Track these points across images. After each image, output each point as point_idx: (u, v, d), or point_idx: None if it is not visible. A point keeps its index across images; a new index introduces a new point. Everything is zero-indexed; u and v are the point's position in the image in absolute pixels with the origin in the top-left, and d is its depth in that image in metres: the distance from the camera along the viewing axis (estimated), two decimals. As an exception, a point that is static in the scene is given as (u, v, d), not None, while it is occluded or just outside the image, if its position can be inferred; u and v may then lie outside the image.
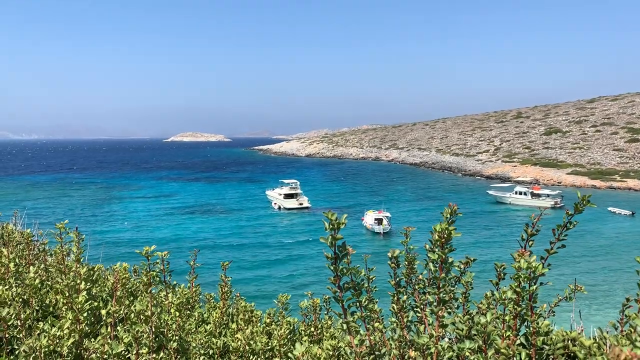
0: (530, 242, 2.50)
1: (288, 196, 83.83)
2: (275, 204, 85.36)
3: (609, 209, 74.60)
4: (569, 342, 2.42)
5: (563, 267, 44.83)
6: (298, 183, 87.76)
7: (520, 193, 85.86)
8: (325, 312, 4.24)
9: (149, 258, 3.32)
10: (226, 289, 4.20)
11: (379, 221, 63.79)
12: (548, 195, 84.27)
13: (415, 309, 2.82)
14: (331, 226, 2.33)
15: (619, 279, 42.87)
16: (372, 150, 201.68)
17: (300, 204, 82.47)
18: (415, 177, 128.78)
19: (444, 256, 2.44)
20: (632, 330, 2.38)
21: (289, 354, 3.36)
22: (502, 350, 2.16)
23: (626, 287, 39.71)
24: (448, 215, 2.41)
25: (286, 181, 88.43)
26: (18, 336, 2.96)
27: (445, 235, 2.42)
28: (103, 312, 3.15)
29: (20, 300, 3.22)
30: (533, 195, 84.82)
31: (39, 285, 3.48)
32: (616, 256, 50.50)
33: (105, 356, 2.75)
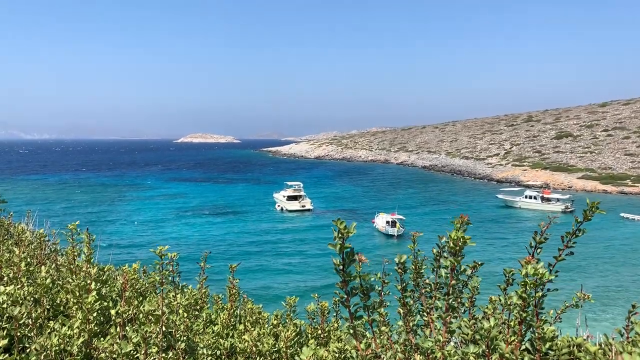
0: (539, 250, 2.50)
1: (291, 198, 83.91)
2: (278, 205, 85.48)
3: (621, 214, 73.79)
4: (574, 348, 2.42)
5: (573, 273, 44.43)
6: (301, 185, 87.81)
7: (530, 197, 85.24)
8: (334, 315, 4.26)
9: (162, 257, 3.36)
10: (234, 290, 4.23)
11: (393, 223, 63.26)
12: (558, 200, 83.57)
13: (421, 313, 2.84)
14: (340, 235, 2.35)
15: (629, 286, 42.45)
16: (381, 152, 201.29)
17: (303, 206, 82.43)
18: (425, 180, 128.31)
19: (456, 264, 2.46)
20: (638, 336, 2.38)
21: (296, 356, 3.39)
22: (505, 355, 2.17)
23: (636, 293, 39.34)
24: (458, 226, 2.42)
25: (290, 183, 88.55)
26: (29, 335, 3.00)
27: (459, 244, 2.44)
28: (112, 312, 3.20)
29: (32, 299, 3.27)
30: (543, 199, 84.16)
31: (50, 285, 3.53)
32: (627, 262, 50.00)
33: (115, 355, 2.78)
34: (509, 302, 2.38)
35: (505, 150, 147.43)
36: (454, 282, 2.47)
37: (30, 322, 3.02)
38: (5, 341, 2.80)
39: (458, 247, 2.41)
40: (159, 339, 2.92)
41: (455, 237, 2.38)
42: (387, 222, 63.69)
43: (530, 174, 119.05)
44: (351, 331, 2.54)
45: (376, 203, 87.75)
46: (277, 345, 3.41)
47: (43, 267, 3.94)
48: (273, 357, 3.37)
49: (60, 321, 2.99)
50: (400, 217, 65.01)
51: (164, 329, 2.98)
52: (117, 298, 3.61)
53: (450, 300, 2.45)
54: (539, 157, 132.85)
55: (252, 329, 3.70)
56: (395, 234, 61.68)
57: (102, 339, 2.98)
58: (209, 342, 3.33)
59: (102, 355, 2.84)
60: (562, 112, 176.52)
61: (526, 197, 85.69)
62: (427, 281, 2.91)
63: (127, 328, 3.06)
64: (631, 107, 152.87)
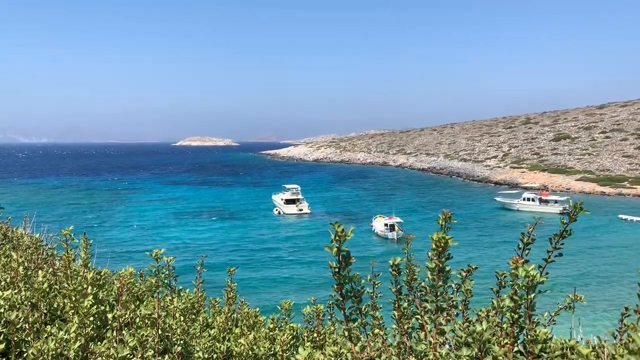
0: (527, 251, 2.52)
1: (289, 201, 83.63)
2: (276, 209, 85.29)
3: (619, 216, 73.87)
4: (567, 350, 2.44)
5: (571, 274, 44.45)
6: (299, 188, 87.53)
7: (528, 199, 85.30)
8: (329, 318, 4.27)
9: (158, 260, 3.37)
10: (232, 294, 4.24)
11: (392, 227, 62.99)
12: (556, 202, 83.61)
13: (416, 315, 2.85)
14: (337, 237, 2.37)
15: (627, 287, 42.45)
16: (379, 155, 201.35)
17: (300, 209, 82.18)
18: (423, 182, 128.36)
19: (440, 265, 2.48)
20: (631, 339, 2.40)
21: (292, 359, 3.40)
22: (498, 358, 2.19)
23: (633, 295, 39.36)
24: (443, 222, 2.44)
25: (288, 186, 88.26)
26: (26, 339, 3.02)
27: (442, 244, 2.46)
28: (109, 316, 3.21)
29: (29, 303, 3.29)
30: (541, 201, 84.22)
31: (47, 289, 3.54)
32: (626, 263, 49.97)
33: (111, 359, 2.80)
34: (501, 305, 2.40)
35: (503, 153, 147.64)
36: (440, 283, 2.50)
37: (28, 327, 3.04)
38: (3, 345, 2.82)
39: (441, 248, 2.44)
40: (155, 343, 2.94)
41: (437, 238, 2.41)
42: (386, 225, 63.38)
43: (529, 176, 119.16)
44: (346, 334, 2.56)
45: (375, 206, 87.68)
46: (273, 349, 3.42)
47: (40, 271, 3.96)
48: (269, 361, 3.39)
49: (57, 325, 3.00)
50: (398, 219, 64.72)
51: (160, 332, 2.99)
52: (113, 302, 3.63)
53: (439, 301, 2.47)
54: (537, 159, 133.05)
55: (249, 332, 3.72)
56: (395, 238, 61.46)
57: (98, 343, 3.00)
58: (206, 345, 3.35)
59: (99, 359, 2.85)
60: (560, 114, 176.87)
61: (524, 199, 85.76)
62: (422, 284, 2.93)
63: (123, 332, 3.08)
64: (629, 109, 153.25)
